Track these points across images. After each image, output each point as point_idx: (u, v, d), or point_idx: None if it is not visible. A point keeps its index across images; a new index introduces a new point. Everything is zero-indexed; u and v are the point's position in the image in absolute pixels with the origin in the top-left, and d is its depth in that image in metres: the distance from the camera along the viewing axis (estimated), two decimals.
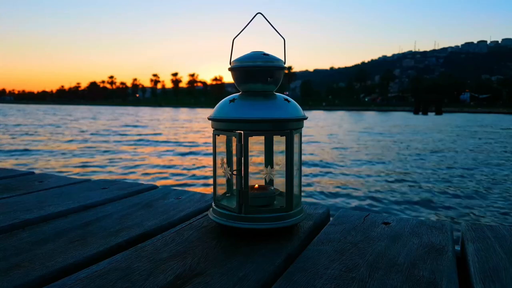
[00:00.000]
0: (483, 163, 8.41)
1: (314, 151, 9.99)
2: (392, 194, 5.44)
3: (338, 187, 5.88)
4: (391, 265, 0.58)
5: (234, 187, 0.73)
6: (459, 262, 0.63)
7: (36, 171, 1.31)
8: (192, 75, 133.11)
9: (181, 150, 10.31)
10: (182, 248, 0.64)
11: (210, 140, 0.77)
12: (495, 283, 0.52)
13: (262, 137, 0.79)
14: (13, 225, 0.74)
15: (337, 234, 0.72)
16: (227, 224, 0.69)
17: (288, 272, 0.56)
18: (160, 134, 15.58)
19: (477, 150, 10.78)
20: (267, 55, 0.71)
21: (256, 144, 0.75)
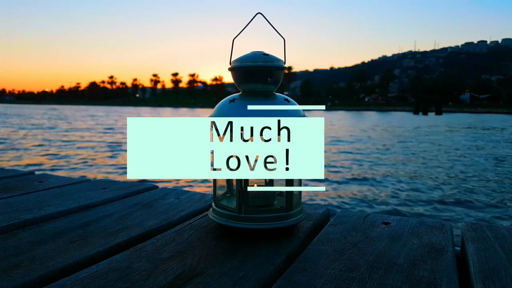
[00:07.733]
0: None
1: None
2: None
3: None
4: (391, 265, 0.58)
5: (234, 187, 0.73)
6: (459, 262, 0.63)
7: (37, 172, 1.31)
8: (192, 75, 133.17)
9: None
10: (182, 248, 0.64)
11: None
12: (495, 283, 0.52)
13: None
14: (13, 225, 0.74)
15: (337, 234, 0.72)
16: (227, 224, 0.69)
17: (288, 272, 0.56)
18: None
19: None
20: (267, 55, 0.71)
21: None
